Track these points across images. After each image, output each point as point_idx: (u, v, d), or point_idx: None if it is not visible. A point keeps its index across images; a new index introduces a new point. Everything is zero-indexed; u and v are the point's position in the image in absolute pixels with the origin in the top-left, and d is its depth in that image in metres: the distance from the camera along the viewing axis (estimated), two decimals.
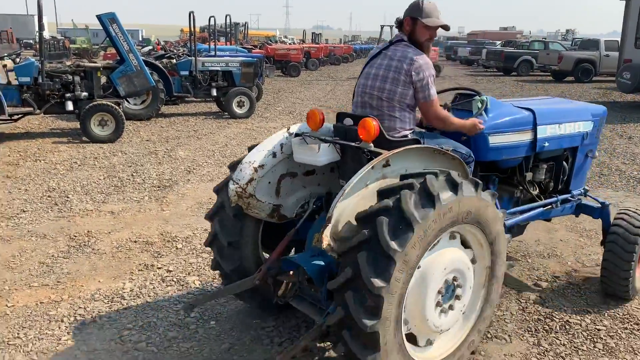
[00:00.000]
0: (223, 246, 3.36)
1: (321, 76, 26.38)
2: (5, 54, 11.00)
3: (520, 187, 4.02)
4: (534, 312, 3.86)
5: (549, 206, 4.11)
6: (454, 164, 3.01)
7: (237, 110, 12.51)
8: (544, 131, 3.87)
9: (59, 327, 3.54)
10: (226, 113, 12.77)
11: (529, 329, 3.63)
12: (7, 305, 3.81)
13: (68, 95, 9.75)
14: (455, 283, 2.93)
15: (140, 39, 47.60)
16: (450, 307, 2.93)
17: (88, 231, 5.28)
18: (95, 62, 11.11)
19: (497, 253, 3.12)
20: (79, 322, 3.60)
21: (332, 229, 2.65)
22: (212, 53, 14.40)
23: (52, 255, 4.69)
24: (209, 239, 3.48)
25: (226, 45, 21.47)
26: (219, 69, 12.98)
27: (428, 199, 2.54)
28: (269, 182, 3.25)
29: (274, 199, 3.28)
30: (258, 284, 3.09)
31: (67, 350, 3.28)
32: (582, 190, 4.40)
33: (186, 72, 12.67)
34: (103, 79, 10.16)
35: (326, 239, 2.63)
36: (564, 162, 4.24)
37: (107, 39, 11.35)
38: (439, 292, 2.84)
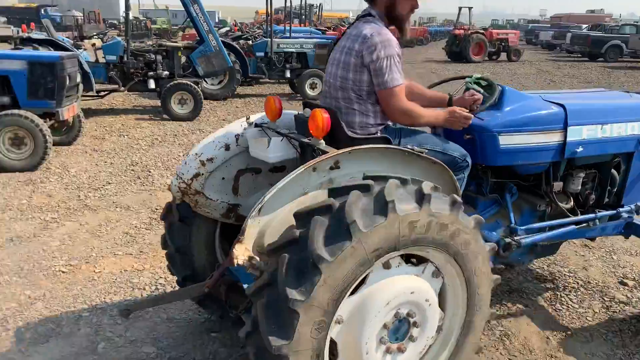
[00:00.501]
0: (172, 251, 3.08)
1: None
2: (95, 34, 11.59)
3: (547, 199, 3.32)
4: (619, 311, 3.66)
5: (585, 224, 3.36)
6: (436, 170, 2.50)
7: (310, 92, 12.55)
8: (578, 133, 3.14)
9: (141, 295, 3.73)
10: (299, 95, 12.87)
11: (613, 328, 3.46)
12: (94, 271, 4.05)
13: (150, 73, 10.14)
14: (411, 320, 2.35)
15: (217, 20, 48.64)
16: (400, 349, 2.35)
17: None
18: (175, 42, 11.48)
19: (474, 295, 2.50)
20: (160, 292, 3.77)
21: (257, 242, 2.24)
22: (287, 35, 14.51)
23: (135, 226, 4.93)
24: (162, 242, 3.19)
25: (300, 26, 21.56)
26: (293, 50, 13.06)
27: (366, 214, 2.05)
28: (223, 178, 2.87)
29: (230, 197, 2.89)
30: (207, 292, 2.65)
31: (148, 317, 3.45)
32: (636, 207, 3.53)
33: (262, 54, 12.85)
34: (183, 59, 10.49)
35: (240, 255, 2.17)
36: (613, 171, 3.45)
37: (188, 19, 11.66)
38: (385, 326, 2.27)
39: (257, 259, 2.18)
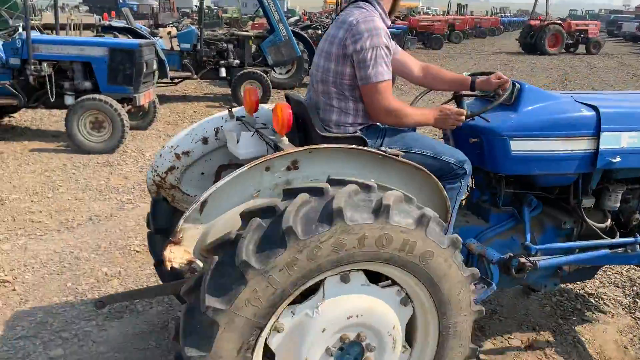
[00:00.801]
0: (152, 232, 2.86)
1: (464, 50, 25.32)
2: (170, 22, 11.96)
3: (576, 216, 2.89)
4: None
5: (622, 248, 2.87)
6: (420, 177, 2.21)
7: None
8: (613, 140, 2.69)
9: None
10: None
11: None
12: None
13: (222, 62, 10.37)
14: (364, 344, 2.08)
15: (285, 9, 49.07)
16: None
17: None
18: (246, 31, 11.67)
19: (448, 328, 2.15)
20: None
21: (201, 243, 2.02)
22: None
23: None
24: (145, 221, 2.97)
25: None
26: None
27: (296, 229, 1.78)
28: (202, 173, 2.71)
29: None
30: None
31: None
32: None
33: None
34: (253, 48, 10.65)
35: (178, 258, 1.98)
36: None
37: (258, 8, 11.81)
38: (328, 350, 2.02)
39: (198, 262, 1.97)
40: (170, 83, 10.50)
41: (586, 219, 2.82)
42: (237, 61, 10.39)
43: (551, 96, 2.83)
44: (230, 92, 10.24)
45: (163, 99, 10.39)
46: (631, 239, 2.86)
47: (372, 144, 2.38)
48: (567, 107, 2.74)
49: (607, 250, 2.84)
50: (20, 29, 7.37)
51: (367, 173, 2.12)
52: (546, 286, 3.00)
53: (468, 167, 2.49)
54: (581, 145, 2.68)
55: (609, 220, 2.92)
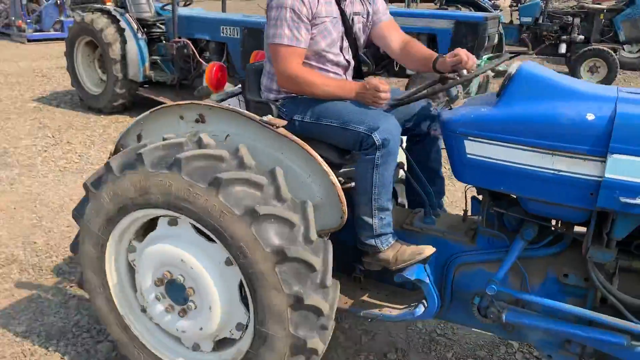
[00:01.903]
0: None
1: None
2: None
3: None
4: None
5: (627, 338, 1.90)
6: (299, 148, 2.10)
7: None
8: (632, 169, 1.73)
9: None
10: None
11: None
12: None
13: (564, 37, 9.63)
14: (186, 287, 2.19)
15: None
16: (183, 312, 2.25)
17: None
18: (598, 4, 10.54)
19: (260, 300, 2.04)
20: None
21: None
22: None
23: None
24: None
25: None
26: None
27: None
28: None
29: None
30: None
31: None
32: None
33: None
34: (602, 22, 9.57)
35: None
36: None
37: None
38: (156, 283, 2.25)
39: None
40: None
41: (595, 279, 1.96)
42: (582, 37, 9.50)
43: (561, 89, 1.93)
44: (567, 71, 9.48)
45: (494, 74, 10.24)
46: None
47: (291, 113, 2.35)
48: (570, 108, 1.85)
49: (620, 337, 1.91)
50: None
51: (261, 139, 2.15)
52: (551, 357, 2.18)
53: (381, 135, 2.12)
54: (574, 166, 1.83)
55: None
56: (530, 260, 2.16)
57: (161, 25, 7.31)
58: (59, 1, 13.47)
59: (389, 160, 2.18)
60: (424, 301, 2.24)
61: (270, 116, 2.22)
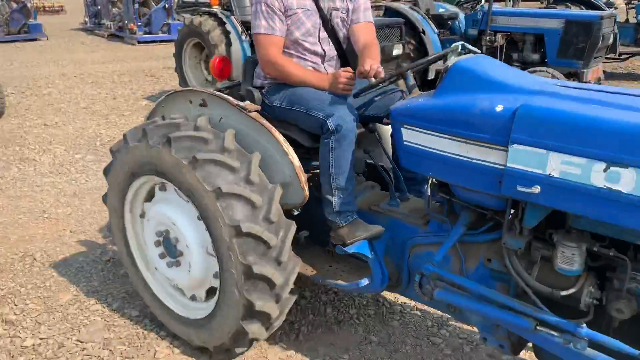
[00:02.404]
0: None
1: None
2: None
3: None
4: None
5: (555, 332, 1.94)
6: (267, 132, 2.45)
7: None
8: (531, 159, 1.82)
9: None
10: None
11: None
12: None
13: None
14: (174, 241, 2.63)
15: None
16: (177, 263, 2.67)
17: None
18: None
19: (219, 249, 2.36)
20: None
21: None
22: None
23: None
24: None
25: None
26: None
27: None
28: None
29: None
30: None
31: None
32: None
33: None
34: None
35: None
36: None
37: None
38: (157, 235, 2.69)
39: None
40: (617, 59, 9.61)
41: (509, 265, 2.04)
42: None
43: (489, 82, 2.03)
44: None
45: (605, 76, 9.62)
46: (567, 323, 1.90)
47: (272, 99, 2.66)
48: (483, 98, 1.97)
49: (528, 321, 1.98)
50: (483, 1, 7.89)
51: (245, 123, 2.47)
52: (486, 339, 2.26)
53: (335, 121, 2.37)
54: (484, 155, 1.95)
55: (566, 289, 1.92)
56: (469, 245, 2.29)
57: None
58: (166, 5, 14.29)
59: (344, 145, 2.40)
60: (370, 276, 2.51)
61: (248, 102, 2.55)
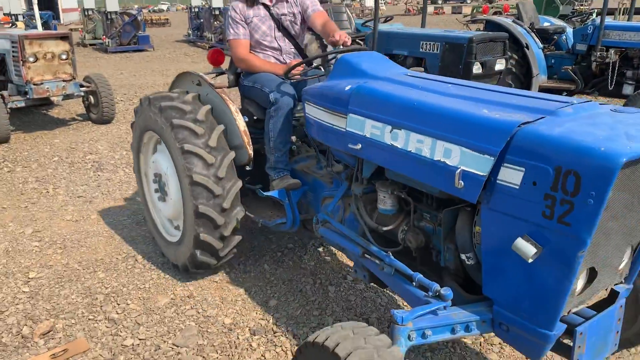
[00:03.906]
0: None
1: None
2: None
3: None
4: None
5: (374, 258, 2.59)
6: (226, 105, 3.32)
7: None
8: (357, 124, 2.51)
9: None
10: None
11: None
12: None
13: None
14: (163, 180, 3.52)
15: None
16: (164, 198, 3.60)
17: None
18: None
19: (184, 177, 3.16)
20: None
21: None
22: None
23: None
24: None
25: None
26: None
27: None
28: None
29: None
30: None
31: None
32: None
33: None
34: None
35: None
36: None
37: None
38: (154, 181, 3.68)
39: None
40: None
41: (354, 207, 2.78)
42: None
43: (358, 70, 2.75)
44: None
45: None
46: (379, 251, 2.52)
47: (244, 80, 3.51)
48: (349, 82, 2.67)
49: (356, 248, 2.67)
50: (594, 15, 7.42)
51: (219, 98, 3.36)
52: (356, 271, 2.81)
53: (274, 95, 3.15)
54: (339, 122, 2.65)
55: (386, 224, 2.60)
56: (348, 197, 2.89)
57: (360, 41, 7.50)
58: None
59: (279, 114, 3.15)
60: (285, 217, 3.34)
61: (219, 81, 3.48)
